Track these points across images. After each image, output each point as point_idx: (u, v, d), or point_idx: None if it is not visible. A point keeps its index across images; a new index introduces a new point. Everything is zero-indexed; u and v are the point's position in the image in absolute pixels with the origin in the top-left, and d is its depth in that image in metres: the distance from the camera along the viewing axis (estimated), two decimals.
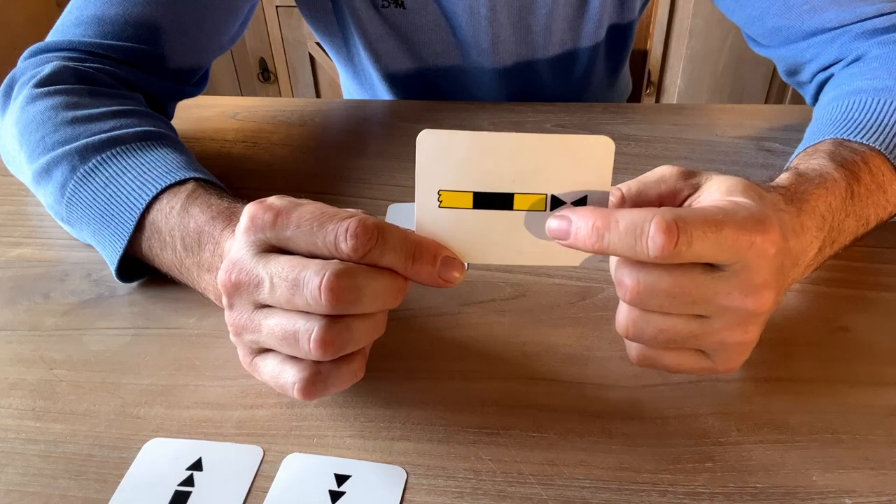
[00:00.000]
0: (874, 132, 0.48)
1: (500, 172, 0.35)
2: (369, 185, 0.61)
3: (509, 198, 0.36)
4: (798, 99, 0.77)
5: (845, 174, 0.44)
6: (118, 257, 0.46)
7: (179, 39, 0.60)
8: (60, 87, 0.53)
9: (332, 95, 1.97)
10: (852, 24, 0.58)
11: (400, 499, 0.36)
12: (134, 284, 0.50)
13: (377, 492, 0.36)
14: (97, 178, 0.48)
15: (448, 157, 0.35)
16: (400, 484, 0.37)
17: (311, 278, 0.33)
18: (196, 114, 0.73)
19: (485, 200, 0.36)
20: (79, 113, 0.51)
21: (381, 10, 0.76)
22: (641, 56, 1.10)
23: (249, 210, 0.36)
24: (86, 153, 0.48)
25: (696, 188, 0.39)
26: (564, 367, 0.43)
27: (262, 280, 0.34)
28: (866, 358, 0.44)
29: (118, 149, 0.49)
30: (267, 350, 0.37)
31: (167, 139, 0.51)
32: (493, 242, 0.37)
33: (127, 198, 0.46)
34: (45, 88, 0.53)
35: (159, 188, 0.46)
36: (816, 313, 0.47)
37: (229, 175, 0.59)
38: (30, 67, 0.55)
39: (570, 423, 0.40)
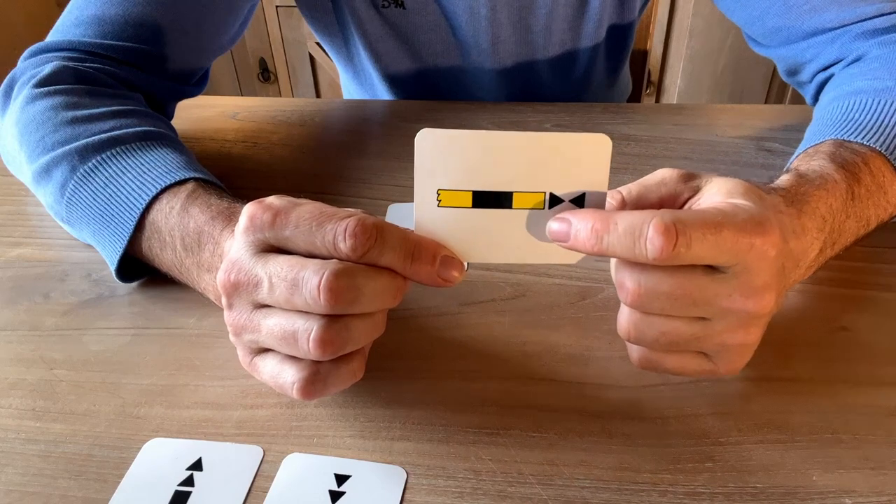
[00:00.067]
0: (874, 133, 0.48)
1: (498, 171, 0.35)
2: (369, 185, 0.61)
3: (508, 196, 0.36)
4: (798, 99, 0.77)
5: (846, 175, 0.44)
6: (118, 257, 0.46)
7: (179, 39, 0.60)
8: (60, 87, 0.53)
9: (332, 95, 1.97)
10: (853, 24, 0.58)
11: (400, 499, 0.36)
12: (134, 284, 0.50)
13: (377, 492, 0.36)
14: (97, 178, 0.48)
15: (447, 156, 0.35)
16: (400, 484, 0.37)
17: (310, 278, 0.33)
18: (196, 114, 0.73)
19: (484, 199, 0.36)
20: (79, 113, 0.51)
21: (381, 11, 0.76)
22: (641, 56, 1.10)
23: (248, 210, 0.36)
24: (86, 153, 0.48)
25: (696, 191, 0.39)
26: (564, 367, 0.43)
27: (261, 280, 0.34)
28: (866, 358, 0.44)
29: (118, 149, 0.49)
30: (266, 350, 0.37)
31: (167, 139, 0.51)
32: (492, 241, 0.37)
33: (127, 198, 0.46)
34: (45, 88, 0.53)
35: (159, 188, 0.46)
36: (816, 313, 0.47)
37: (229, 175, 0.59)
38: (30, 67, 0.55)
39: (570, 423, 0.40)
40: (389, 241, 0.34)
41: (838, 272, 0.50)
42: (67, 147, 0.49)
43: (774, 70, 1.76)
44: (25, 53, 0.58)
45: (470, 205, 0.36)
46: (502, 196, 0.36)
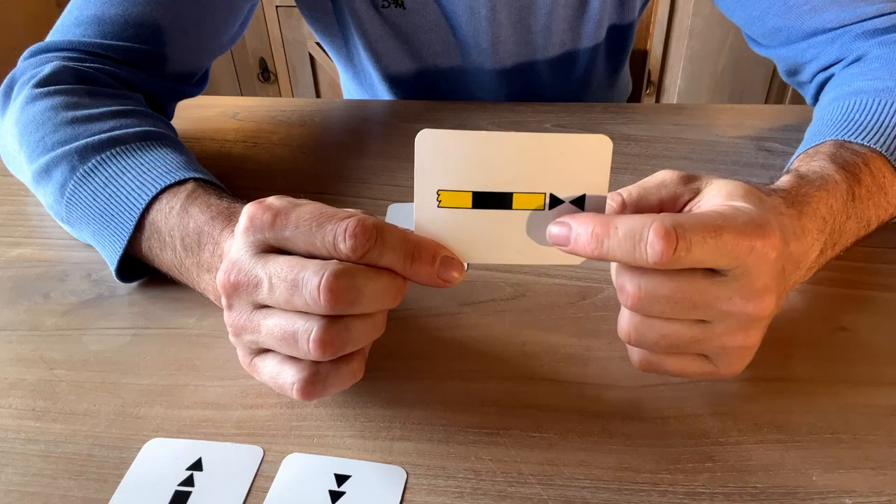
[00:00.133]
0: (875, 133, 0.48)
1: (498, 172, 0.35)
2: (369, 185, 0.61)
3: (508, 197, 0.36)
4: (798, 99, 0.77)
5: (846, 176, 0.44)
6: (118, 257, 0.46)
7: (179, 39, 0.60)
8: (60, 87, 0.53)
9: (332, 95, 1.97)
10: (853, 24, 0.58)
11: (400, 499, 0.36)
12: (134, 284, 0.50)
13: (377, 492, 0.36)
14: (97, 178, 0.48)
15: (447, 156, 0.35)
16: (400, 484, 0.37)
17: (310, 278, 0.33)
18: (196, 114, 0.73)
19: (484, 200, 0.36)
20: (78, 113, 0.51)
21: (381, 11, 0.76)
22: (641, 56, 1.10)
23: (248, 210, 0.36)
24: (85, 153, 0.48)
25: (696, 193, 0.39)
26: (564, 367, 0.43)
27: (261, 280, 0.34)
28: (866, 358, 0.44)
29: (118, 149, 0.49)
30: (266, 350, 0.37)
31: (167, 139, 0.51)
32: (492, 242, 0.37)
33: (127, 198, 0.46)
34: (45, 88, 0.53)
35: (159, 188, 0.46)
36: (816, 313, 0.47)
37: (229, 175, 0.59)
38: (30, 67, 0.55)
39: (570, 423, 0.40)
40: (389, 241, 0.34)
41: (838, 272, 0.50)
42: (67, 147, 0.49)
43: (774, 70, 1.76)
44: (25, 53, 0.58)
45: (470, 205, 0.36)
46: (502, 197, 0.36)
